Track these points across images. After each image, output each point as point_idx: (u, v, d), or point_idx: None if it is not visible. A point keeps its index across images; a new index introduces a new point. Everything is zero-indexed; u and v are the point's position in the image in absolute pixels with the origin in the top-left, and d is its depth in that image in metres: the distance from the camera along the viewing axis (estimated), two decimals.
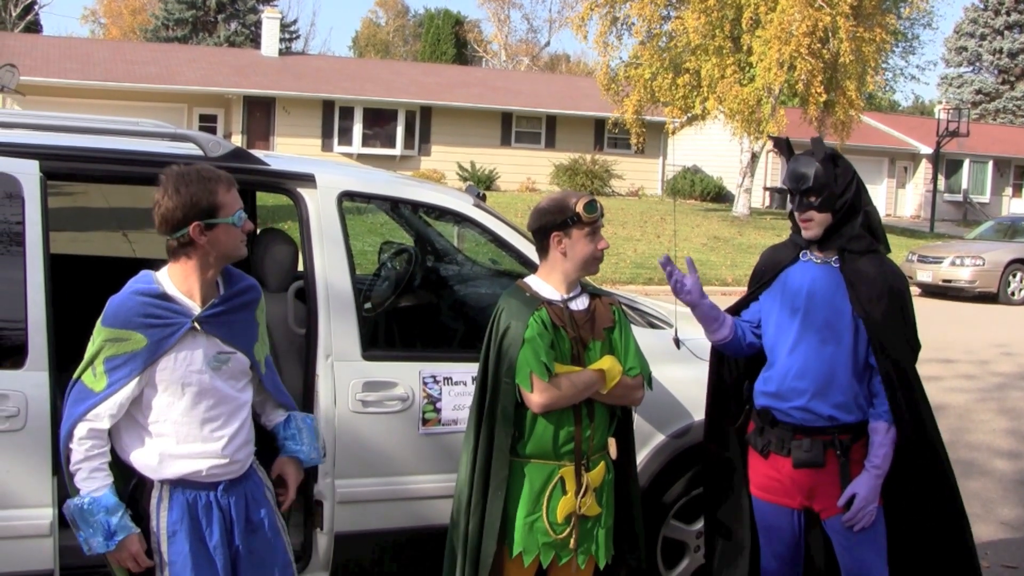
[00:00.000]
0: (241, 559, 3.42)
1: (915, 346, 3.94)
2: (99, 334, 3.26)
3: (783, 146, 4.10)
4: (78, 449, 3.26)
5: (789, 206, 4.08)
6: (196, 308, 3.33)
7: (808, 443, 3.88)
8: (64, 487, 3.39)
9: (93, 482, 3.25)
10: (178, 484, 3.34)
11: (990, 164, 46.31)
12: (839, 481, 3.86)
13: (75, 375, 3.32)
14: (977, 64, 61.93)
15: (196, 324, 3.31)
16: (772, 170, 39.22)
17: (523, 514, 3.82)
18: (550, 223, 3.83)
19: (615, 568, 4.10)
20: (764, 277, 4.11)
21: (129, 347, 3.23)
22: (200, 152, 4.27)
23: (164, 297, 3.30)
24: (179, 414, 3.32)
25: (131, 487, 3.37)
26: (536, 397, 3.72)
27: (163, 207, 3.25)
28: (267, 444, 3.73)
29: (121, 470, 3.36)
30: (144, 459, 3.33)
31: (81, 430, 3.26)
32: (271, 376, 3.65)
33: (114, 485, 3.29)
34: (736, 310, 4.24)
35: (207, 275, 3.35)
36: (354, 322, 4.41)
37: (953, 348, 14.00)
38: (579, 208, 3.79)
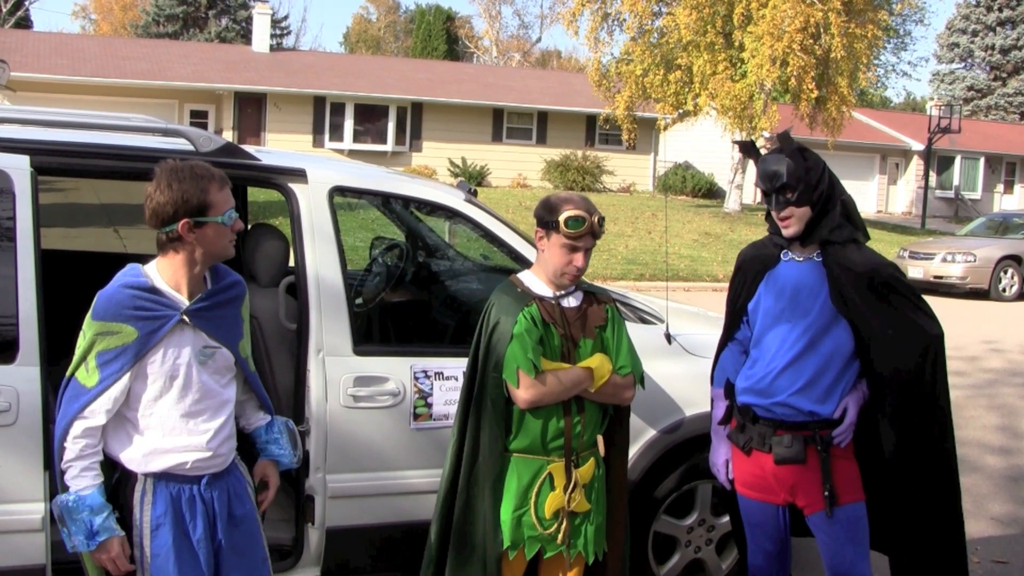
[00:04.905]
0: (223, 553, 3.42)
1: (930, 329, 3.88)
2: (89, 328, 3.26)
3: (749, 148, 4.06)
4: (71, 447, 3.25)
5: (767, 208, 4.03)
6: (184, 301, 3.34)
7: (789, 439, 3.87)
8: (55, 483, 3.38)
9: (82, 480, 3.25)
10: (162, 477, 3.34)
11: (981, 161, 46.42)
12: (821, 477, 3.87)
13: (68, 372, 3.32)
14: (969, 60, 62.00)
15: (184, 317, 3.32)
16: None
17: (511, 508, 3.83)
18: (539, 217, 3.84)
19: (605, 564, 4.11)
20: (747, 280, 4.07)
21: (120, 340, 3.23)
22: (191, 147, 4.27)
23: (152, 290, 3.30)
24: (166, 407, 3.33)
25: (114, 480, 3.36)
26: (522, 393, 3.72)
27: (154, 201, 3.25)
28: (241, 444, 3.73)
29: (104, 463, 3.35)
30: (129, 452, 3.33)
31: (76, 428, 3.25)
32: (254, 377, 3.66)
33: (103, 485, 3.29)
34: (730, 332, 4.20)
35: (194, 271, 3.35)
36: (345, 317, 4.42)
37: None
38: (561, 218, 3.76)
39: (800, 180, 3.79)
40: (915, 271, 21.58)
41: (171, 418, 3.34)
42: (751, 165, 26.16)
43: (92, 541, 3.23)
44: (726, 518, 5.07)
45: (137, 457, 3.33)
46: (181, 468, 3.35)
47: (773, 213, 3.90)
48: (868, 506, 3.98)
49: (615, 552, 4.10)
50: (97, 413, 3.26)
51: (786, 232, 3.89)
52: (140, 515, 3.32)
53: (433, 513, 4.03)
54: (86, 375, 3.26)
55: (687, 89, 29.53)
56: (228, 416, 3.47)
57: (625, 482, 4.19)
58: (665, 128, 32.95)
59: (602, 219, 3.83)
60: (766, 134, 28.90)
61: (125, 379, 3.26)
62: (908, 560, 4.04)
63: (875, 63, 34.42)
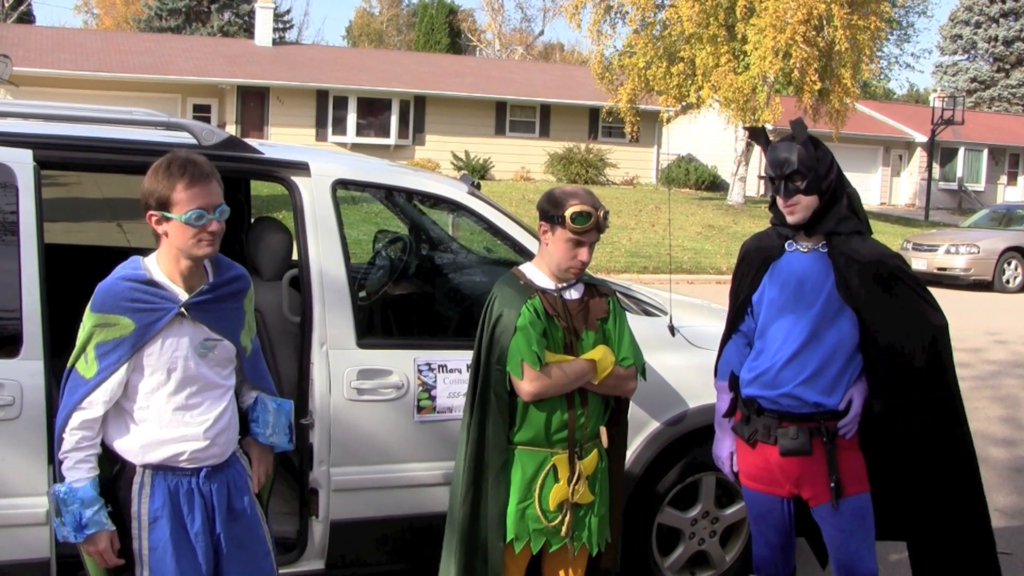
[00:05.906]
0: (223, 547, 3.42)
1: (934, 319, 3.90)
2: (88, 320, 3.27)
3: (760, 135, 4.05)
4: (68, 439, 3.27)
5: (770, 196, 4.03)
6: (183, 294, 3.34)
7: (794, 431, 3.87)
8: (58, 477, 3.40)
9: (76, 472, 3.27)
10: (160, 470, 3.34)
11: (985, 152, 46.34)
12: (826, 469, 3.86)
13: (69, 363, 3.34)
14: (972, 52, 61.81)
15: (183, 310, 3.32)
16: None
17: (515, 501, 3.83)
18: (543, 211, 3.83)
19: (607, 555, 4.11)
20: (751, 271, 4.06)
21: (117, 332, 3.24)
22: (193, 140, 4.27)
23: (151, 283, 3.30)
24: (163, 399, 3.33)
25: (114, 472, 3.37)
26: (526, 386, 3.72)
27: (140, 189, 3.29)
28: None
29: (106, 455, 3.36)
30: (127, 444, 3.34)
31: (75, 420, 3.27)
32: (253, 360, 3.64)
33: (97, 478, 3.30)
34: (734, 323, 4.19)
35: (179, 264, 3.33)
36: (349, 310, 4.41)
37: None
38: (567, 212, 3.74)
39: (811, 169, 3.78)
40: (919, 263, 21.53)
41: (167, 410, 3.34)
42: (754, 158, 25.88)
43: (80, 533, 3.25)
44: (730, 510, 5.08)
45: (134, 448, 3.34)
46: (178, 459, 3.35)
47: (779, 200, 3.88)
48: (879, 496, 3.99)
49: (612, 541, 4.11)
50: (95, 404, 3.28)
51: (790, 219, 3.86)
52: (138, 508, 3.33)
53: (448, 509, 4.02)
54: (85, 366, 3.28)
55: (690, 82, 29.47)
56: (226, 406, 3.46)
57: (623, 472, 4.20)
58: (668, 121, 32.93)
59: (607, 213, 3.82)
60: (769, 126, 28.86)
61: (122, 371, 3.27)
62: (929, 547, 4.05)
63: (878, 55, 34.44)
